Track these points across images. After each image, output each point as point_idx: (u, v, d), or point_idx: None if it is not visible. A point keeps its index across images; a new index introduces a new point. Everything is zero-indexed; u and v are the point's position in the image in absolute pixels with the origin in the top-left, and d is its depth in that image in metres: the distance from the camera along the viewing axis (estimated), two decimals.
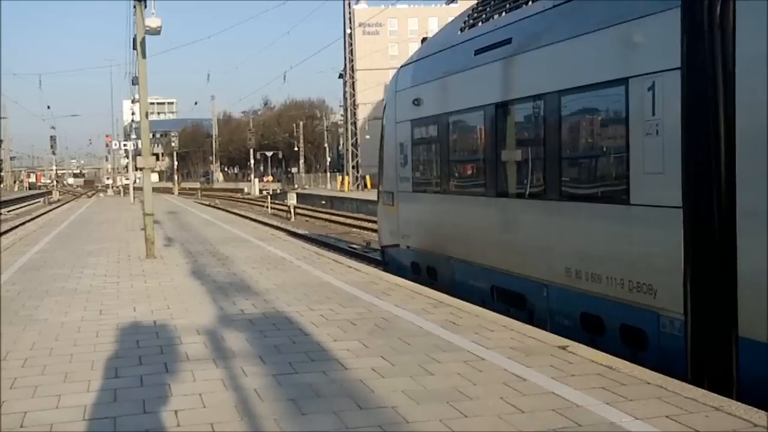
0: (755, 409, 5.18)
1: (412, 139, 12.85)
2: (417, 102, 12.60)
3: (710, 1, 6.32)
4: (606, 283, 7.78)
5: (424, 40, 14.20)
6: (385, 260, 14.54)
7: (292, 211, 40.64)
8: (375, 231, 19.49)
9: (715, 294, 6.35)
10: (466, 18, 11.66)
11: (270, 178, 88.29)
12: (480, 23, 11.05)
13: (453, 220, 11.52)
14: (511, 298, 9.76)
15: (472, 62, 10.64)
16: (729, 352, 6.23)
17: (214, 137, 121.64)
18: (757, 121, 5.93)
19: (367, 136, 73.54)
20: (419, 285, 10.92)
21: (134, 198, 45.77)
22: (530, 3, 9.63)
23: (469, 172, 11.45)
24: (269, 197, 53.70)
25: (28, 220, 37.90)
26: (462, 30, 11.53)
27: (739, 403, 5.32)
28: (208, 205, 49.11)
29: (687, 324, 6.62)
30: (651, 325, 7.17)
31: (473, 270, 10.74)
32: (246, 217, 35.44)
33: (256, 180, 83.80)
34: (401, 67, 13.86)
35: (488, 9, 11.02)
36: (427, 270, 12.35)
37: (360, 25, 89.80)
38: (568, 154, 8.74)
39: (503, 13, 10.37)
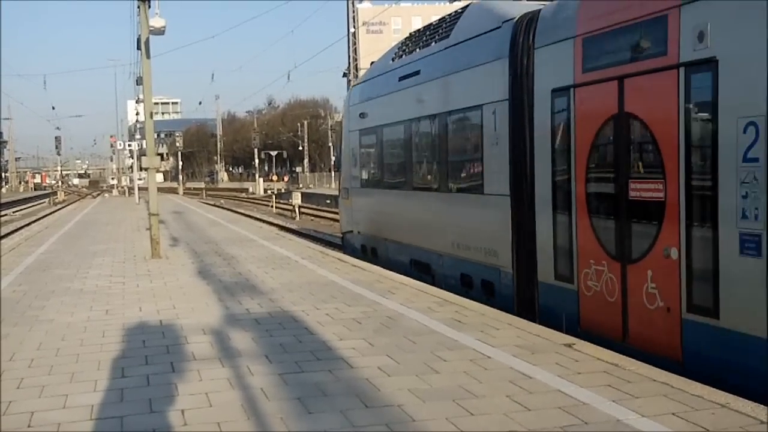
0: (762, 405, 5.19)
1: (360, 145, 15.91)
2: (362, 115, 15.58)
3: (521, 54, 9.41)
4: (473, 251, 10.76)
5: (372, 63, 16.86)
6: (344, 244, 17.51)
7: (296, 210, 40.65)
8: None
9: (530, 254, 9.31)
10: (397, 50, 14.49)
11: (276, 177, 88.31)
12: (404, 55, 13.90)
13: (385, 210, 14.59)
14: (421, 267, 12.54)
15: (397, 86, 13.56)
16: (533, 289, 9.28)
17: (218, 137, 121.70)
18: (542, 138, 8.97)
19: None
20: (424, 284, 11.00)
21: (139, 198, 45.86)
22: (433, 44, 12.46)
23: (394, 172, 14.28)
24: (274, 197, 53.70)
25: (34, 221, 37.98)
26: (393, 59, 14.38)
27: (745, 400, 5.32)
28: (213, 205, 49.15)
29: (514, 275, 9.69)
30: (496, 278, 10.10)
31: (399, 248, 13.71)
32: (251, 217, 35.49)
33: (261, 179, 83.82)
34: (353, 86, 16.89)
35: (410, 44, 13.90)
36: (371, 250, 15.23)
37: (363, 24, 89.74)
38: (451, 158, 11.68)
39: (418, 49, 13.18)
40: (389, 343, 7.30)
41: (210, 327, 8.30)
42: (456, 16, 12.08)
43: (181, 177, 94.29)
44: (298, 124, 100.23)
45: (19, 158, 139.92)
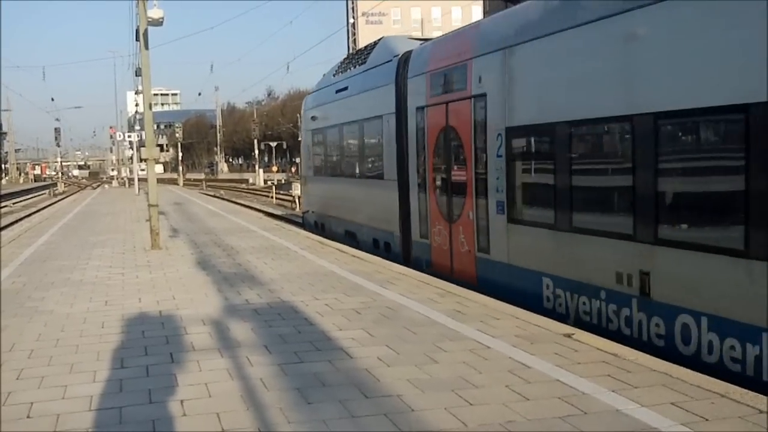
0: (761, 395, 5.19)
1: (312, 142, 20.62)
2: (313, 118, 20.22)
3: (400, 81, 13.41)
4: (379, 222, 14.78)
5: (324, 75, 21.22)
6: (303, 221, 22.26)
7: (297, 201, 40.59)
8: None
9: (407, 221, 13.30)
10: (337, 67, 18.74)
11: (277, 167, 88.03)
12: (341, 73, 18.03)
13: (328, 193, 19.08)
14: (351, 236, 16.60)
15: (335, 97, 17.84)
16: (409, 246, 13.35)
17: (218, 128, 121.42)
18: (412, 140, 12.96)
19: None
20: (426, 274, 11.04)
21: (139, 189, 45.79)
22: (357, 66, 16.51)
23: (333, 163, 18.70)
24: (274, 188, 53.61)
25: (34, 212, 37.97)
26: (334, 75, 18.60)
27: (745, 390, 5.32)
28: (213, 196, 49.11)
29: (400, 237, 13.64)
30: (392, 239, 14.13)
31: (337, 222, 17.88)
32: (251, 208, 35.48)
33: (261, 170, 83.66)
34: (308, 95, 22.17)
35: (345, 64, 18.15)
36: (321, 225, 19.53)
37: (363, 15, 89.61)
38: (365, 153, 15.97)
39: (349, 69, 17.25)
40: (389, 334, 7.30)
41: (209, 318, 8.30)
42: (372, 46, 16.24)
43: (180, 168, 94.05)
44: (298, 115, 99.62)
45: (19, 150, 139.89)
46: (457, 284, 10.05)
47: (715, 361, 6.34)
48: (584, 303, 8.16)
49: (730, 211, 6.36)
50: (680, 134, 7.15)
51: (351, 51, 70.08)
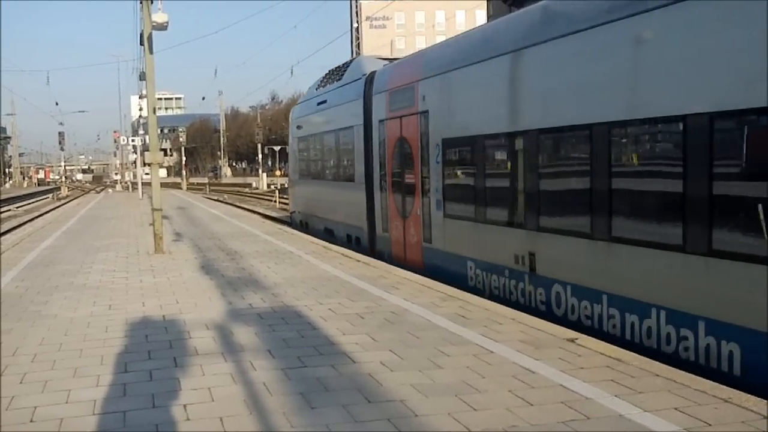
0: (763, 400, 5.18)
1: (298, 148, 23.33)
2: (299, 127, 22.90)
3: (366, 97, 15.57)
4: (352, 219, 16.97)
5: (309, 88, 23.61)
6: (291, 220, 24.98)
7: None
8: None
9: (372, 218, 15.53)
10: (320, 81, 20.98)
11: (281, 171, 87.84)
12: (322, 87, 20.38)
13: (310, 195, 21.73)
14: (329, 232, 18.93)
15: (316, 109, 20.43)
16: (374, 239, 15.48)
17: (221, 132, 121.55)
18: (375, 148, 15.13)
19: None
20: (428, 279, 11.02)
21: (142, 193, 45.83)
22: (335, 82, 18.83)
23: (314, 168, 21.44)
24: (277, 192, 53.60)
25: (37, 216, 38.01)
26: (317, 89, 21.00)
27: (749, 395, 5.31)
28: (217, 200, 49.13)
29: (367, 232, 15.85)
30: (361, 234, 16.37)
31: (318, 220, 20.48)
32: (254, 212, 35.49)
33: (264, 174, 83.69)
34: (295, 106, 25.29)
35: (326, 78, 20.36)
36: (305, 224, 22.02)
37: (367, 19, 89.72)
38: (340, 158, 18.27)
39: (328, 84, 19.59)
40: (392, 339, 7.29)
41: (213, 322, 8.30)
42: (347, 64, 18.64)
43: (184, 172, 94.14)
44: None
45: (23, 154, 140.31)
46: (411, 270, 11.97)
47: (575, 320, 8.27)
48: (495, 280, 10.31)
49: (579, 203, 8.25)
50: (550, 147, 9.16)
51: (355, 54, 70.21)
